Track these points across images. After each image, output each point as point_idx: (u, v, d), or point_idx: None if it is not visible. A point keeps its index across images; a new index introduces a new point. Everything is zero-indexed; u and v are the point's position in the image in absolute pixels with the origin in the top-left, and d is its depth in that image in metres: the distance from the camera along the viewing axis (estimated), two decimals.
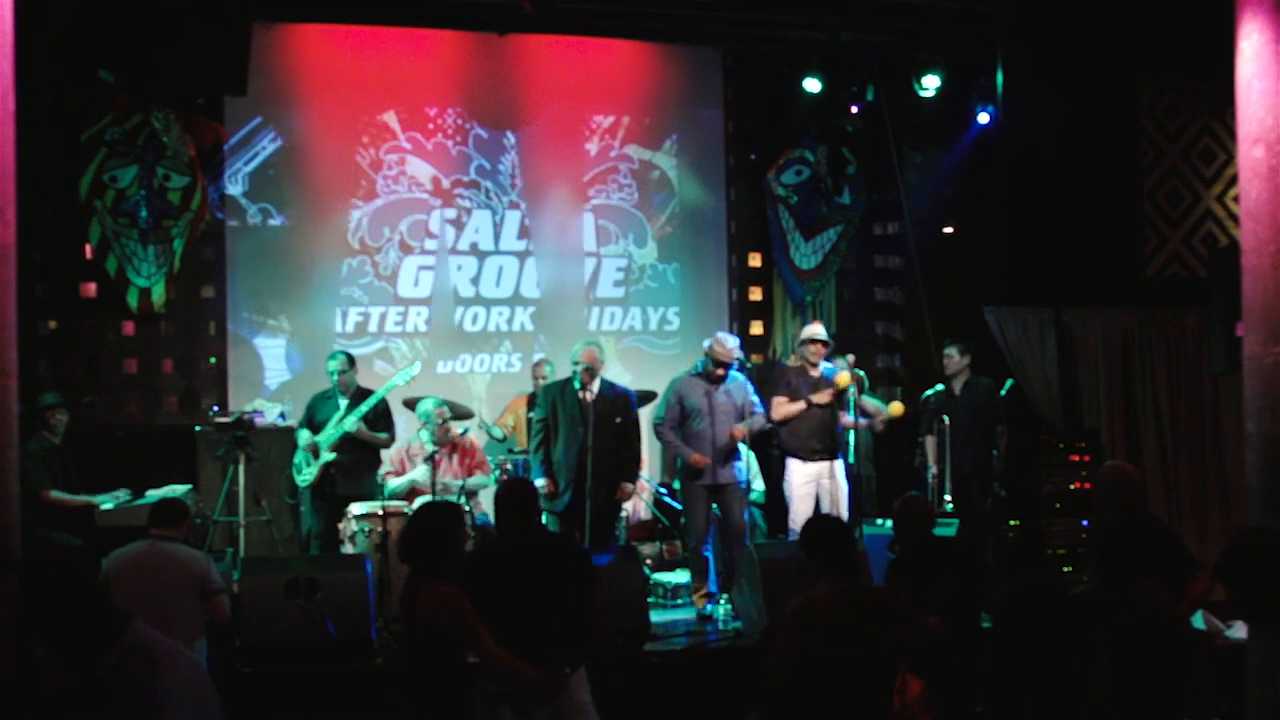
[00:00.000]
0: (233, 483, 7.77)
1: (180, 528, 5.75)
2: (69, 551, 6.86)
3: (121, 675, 3.18)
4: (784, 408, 7.74)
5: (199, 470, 8.36)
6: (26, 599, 3.22)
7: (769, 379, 9.38)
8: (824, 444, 7.70)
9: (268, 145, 9.25)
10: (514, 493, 4.82)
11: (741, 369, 7.72)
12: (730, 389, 7.53)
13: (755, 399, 7.69)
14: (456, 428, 8.03)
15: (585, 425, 7.31)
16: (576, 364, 7.44)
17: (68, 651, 3.16)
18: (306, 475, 7.82)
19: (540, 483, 7.37)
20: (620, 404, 7.55)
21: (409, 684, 4.33)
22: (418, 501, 7.34)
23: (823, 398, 7.64)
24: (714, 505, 7.59)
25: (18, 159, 4.61)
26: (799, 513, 7.63)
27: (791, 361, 8.83)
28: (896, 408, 8.14)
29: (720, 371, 7.48)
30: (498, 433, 8.90)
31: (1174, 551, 5.28)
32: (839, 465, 7.72)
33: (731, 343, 7.62)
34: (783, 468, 7.96)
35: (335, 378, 7.92)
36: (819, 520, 5.32)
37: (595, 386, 7.44)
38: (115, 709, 3.16)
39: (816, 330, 8.04)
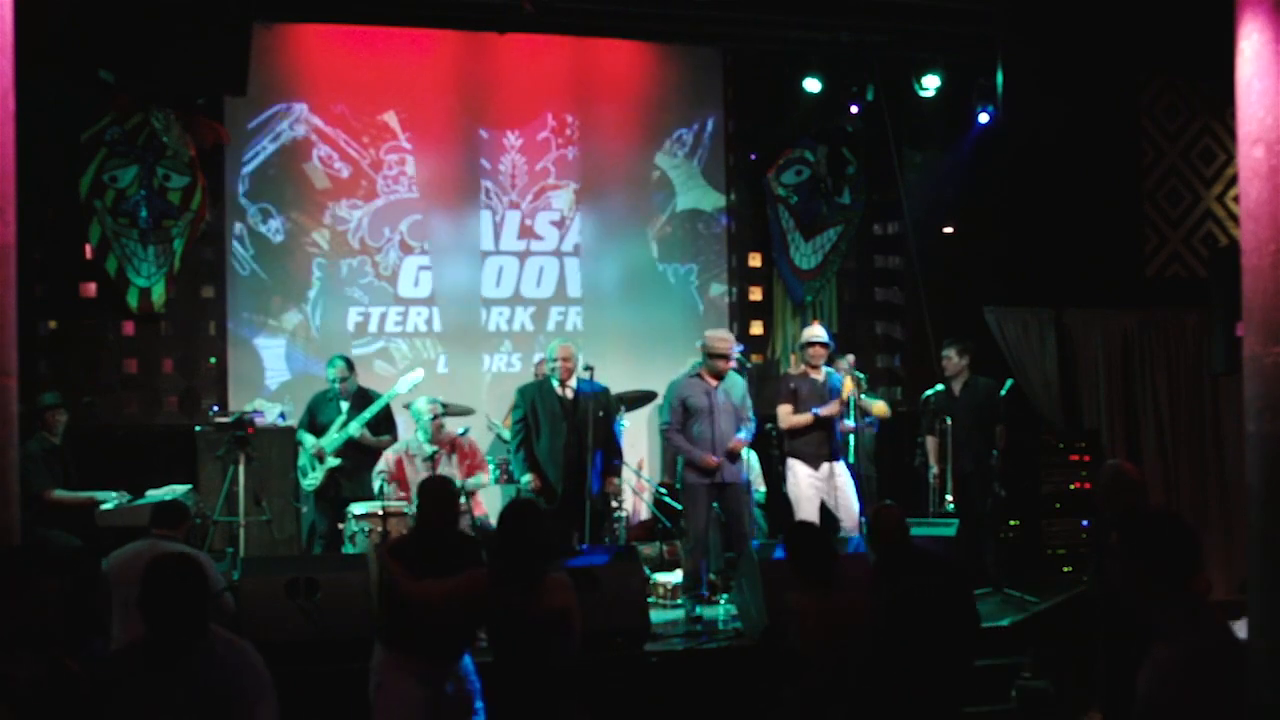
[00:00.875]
0: (233, 483, 7.76)
1: (181, 529, 5.76)
2: (72, 552, 6.85)
3: (232, 654, 3.51)
4: (791, 418, 7.74)
5: (199, 470, 8.36)
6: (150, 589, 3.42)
7: (769, 379, 9.39)
8: (827, 447, 7.72)
9: (268, 145, 9.26)
10: (434, 489, 5.07)
11: (741, 370, 7.72)
12: (729, 388, 7.53)
13: (750, 403, 7.68)
14: (456, 427, 8.03)
15: (569, 421, 7.39)
16: (554, 361, 7.52)
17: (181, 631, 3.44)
18: (312, 479, 7.84)
19: (526, 479, 7.45)
20: (601, 398, 7.64)
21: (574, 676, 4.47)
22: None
23: (830, 410, 7.65)
24: (714, 505, 7.59)
25: (18, 159, 4.61)
26: (805, 514, 7.64)
27: (792, 367, 8.82)
28: (880, 408, 8.14)
29: (723, 364, 7.47)
30: (506, 433, 8.90)
31: None
32: (840, 466, 7.73)
33: (727, 334, 7.65)
34: (784, 469, 7.96)
35: (336, 385, 7.94)
36: (800, 527, 5.39)
37: (573, 383, 7.50)
38: (238, 685, 3.47)
39: (816, 332, 8.04)
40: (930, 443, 8.32)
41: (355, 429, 7.77)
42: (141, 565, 5.45)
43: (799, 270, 10.17)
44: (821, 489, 7.69)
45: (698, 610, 7.30)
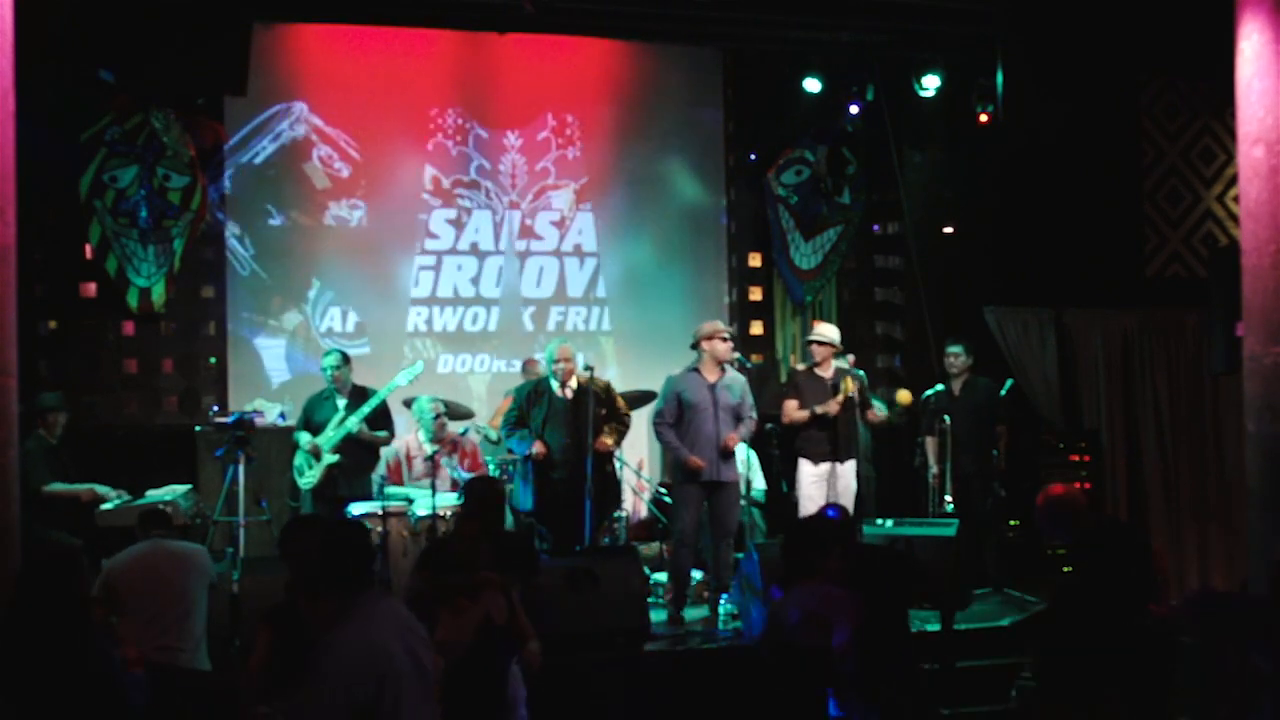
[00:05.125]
0: (233, 483, 7.74)
1: (174, 528, 5.81)
2: (73, 551, 6.84)
3: None
4: (793, 413, 7.74)
5: (199, 470, 8.35)
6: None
7: (769, 379, 9.39)
8: (833, 445, 7.69)
9: (268, 145, 9.26)
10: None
11: (743, 370, 7.70)
12: (730, 385, 7.49)
13: (751, 400, 7.65)
14: (456, 428, 8.02)
15: (569, 422, 7.35)
16: (554, 363, 7.50)
17: None
18: (309, 478, 7.81)
19: (536, 448, 7.39)
20: (601, 395, 7.60)
21: None
22: (419, 498, 7.34)
23: (830, 408, 7.63)
24: (705, 504, 7.54)
25: (18, 159, 4.62)
26: (807, 513, 7.62)
27: (794, 362, 8.81)
28: (904, 395, 8.12)
29: (723, 346, 7.43)
30: (493, 434, 8.89)
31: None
32: (846, 467, 7.70)
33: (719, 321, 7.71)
34: (788, 467, 7.95)
35: (330, 374, 7.89)
36: (791, 527, 5.50)
37: (573, 383, 7.48)
38: None
39: (825, 332, 8.01)
40: (930, 443, 8.32)
41: (354, 424, 7.74)
42: (143, 566, 5.53)
43: (799, 270, 10.16)
44: (823, 487, 7.68)
45: (683, 614, 7.26)
